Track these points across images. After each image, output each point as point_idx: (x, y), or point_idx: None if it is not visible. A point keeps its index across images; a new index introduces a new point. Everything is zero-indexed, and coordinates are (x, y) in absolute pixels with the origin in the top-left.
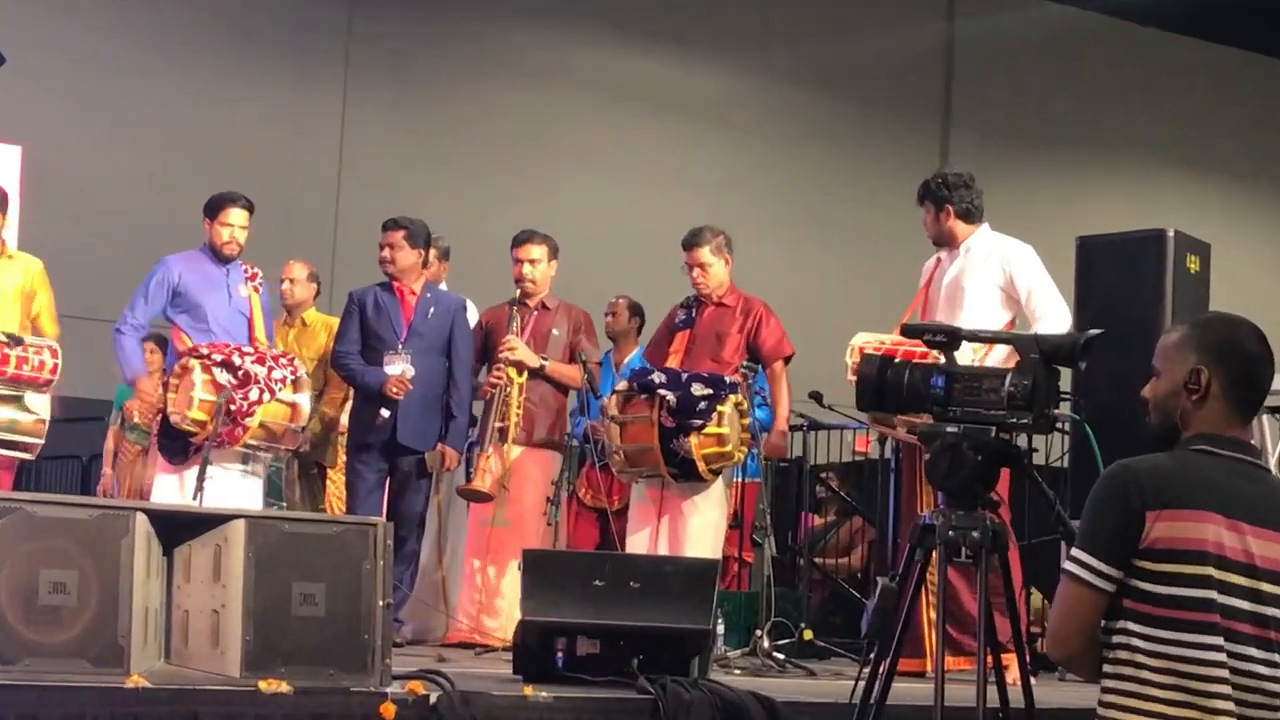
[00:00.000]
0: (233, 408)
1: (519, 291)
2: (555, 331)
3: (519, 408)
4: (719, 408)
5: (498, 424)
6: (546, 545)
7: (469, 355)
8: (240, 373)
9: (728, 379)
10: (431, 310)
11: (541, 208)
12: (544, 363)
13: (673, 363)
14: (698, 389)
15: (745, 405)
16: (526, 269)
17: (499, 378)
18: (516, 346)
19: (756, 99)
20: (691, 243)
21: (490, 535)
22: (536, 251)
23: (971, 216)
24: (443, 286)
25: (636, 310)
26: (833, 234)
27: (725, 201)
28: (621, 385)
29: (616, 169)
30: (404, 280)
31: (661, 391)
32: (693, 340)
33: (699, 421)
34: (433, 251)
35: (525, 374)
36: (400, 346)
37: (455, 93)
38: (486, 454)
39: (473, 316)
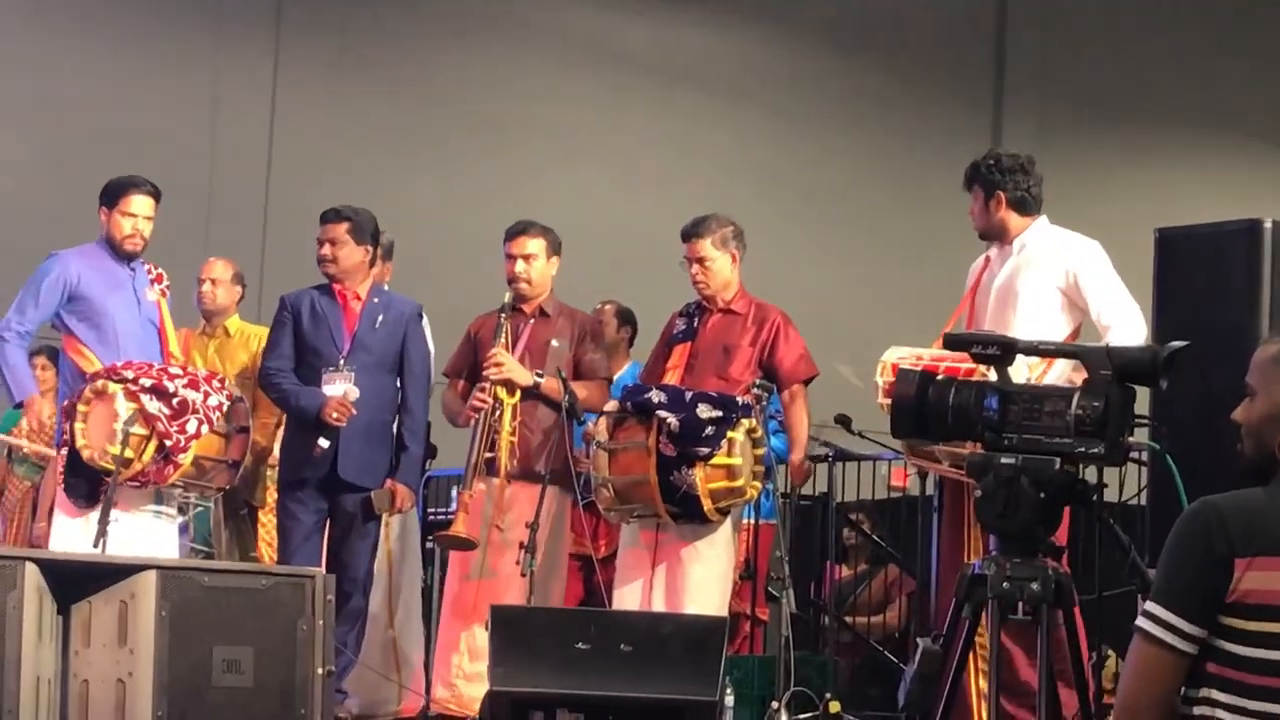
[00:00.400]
0: (168, 443)
1: (509, 294)
2: (555, 343)
3: (511, 434)
4: (730, 434)
5: (486, 454)
6: (523, 600)
7: (426, 372)
8: (175, 400)
9: (740, 400)
10: (380, 318)
11: (512, 199)
12: (538, 379)
13: (671, 380)
14: (705, 411)
15: (759, 432)
16: (520, 266)
17: (484, 401)
18: (504, 362)
19: (773, 67)
20: (692, 232)
21: (476, 591)
22: (533, 245)
23: (1027, 206)
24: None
25: (627, 318)
26: (863, 228)
27: (736, 190)
28: (611, 405)
29: (605, 152)
30: (347, 282)
31: (661, 414)
32: (694, 354)
33: (706, 450)
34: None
35: (518, 394)
36: (342, 362)
37: (407, 62)
38: (469, 493)
39: (428, 330)
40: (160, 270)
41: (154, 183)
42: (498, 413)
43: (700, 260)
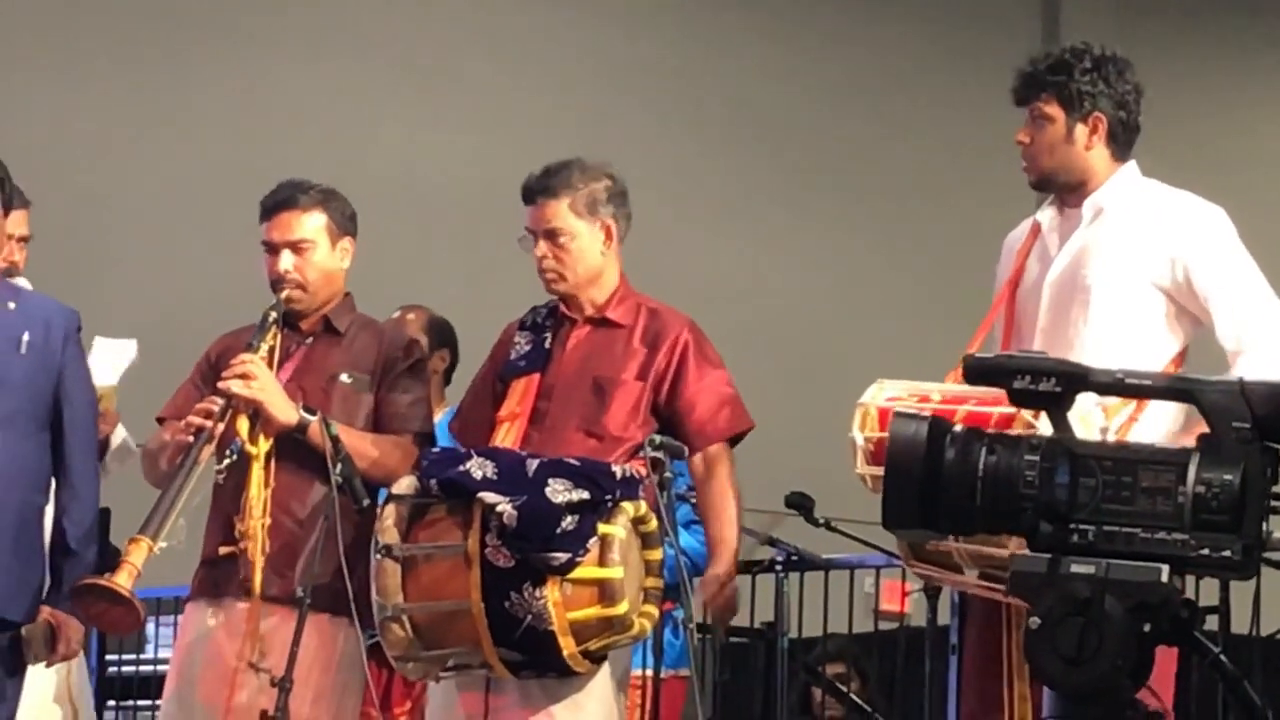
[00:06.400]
0: None
1: (281, 298)
2: (345, 376)
3: (264, 515)
4: (603, 528)
5: (222, 548)
6: None
7: (94, 423)
8: None
9: (621, 469)
10: (25, 336)
11: (257, 148)
12: (308, 418)
13: (507, 439)
14: (559, 491)
15: (654, 523)
16: (287, 261)
17: (208, 412)
18: (257, 372)
19: None
20: (539, 188)
21: None
22: (307, 225)
23: (1129, 141)
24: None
25: (443, 336)
26: (839, 182)
27: (627, 120)
28: (404, 484)
29: (413, 69)
30: None
31: (488, 497)
32: (546, 395)
33: (563, 556)
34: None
35: (270, 441)
36: None
37: None
38: (145, 543)
39: (111, 354)
40: None
41: None
42: (230, 458)
43: (551, 234)
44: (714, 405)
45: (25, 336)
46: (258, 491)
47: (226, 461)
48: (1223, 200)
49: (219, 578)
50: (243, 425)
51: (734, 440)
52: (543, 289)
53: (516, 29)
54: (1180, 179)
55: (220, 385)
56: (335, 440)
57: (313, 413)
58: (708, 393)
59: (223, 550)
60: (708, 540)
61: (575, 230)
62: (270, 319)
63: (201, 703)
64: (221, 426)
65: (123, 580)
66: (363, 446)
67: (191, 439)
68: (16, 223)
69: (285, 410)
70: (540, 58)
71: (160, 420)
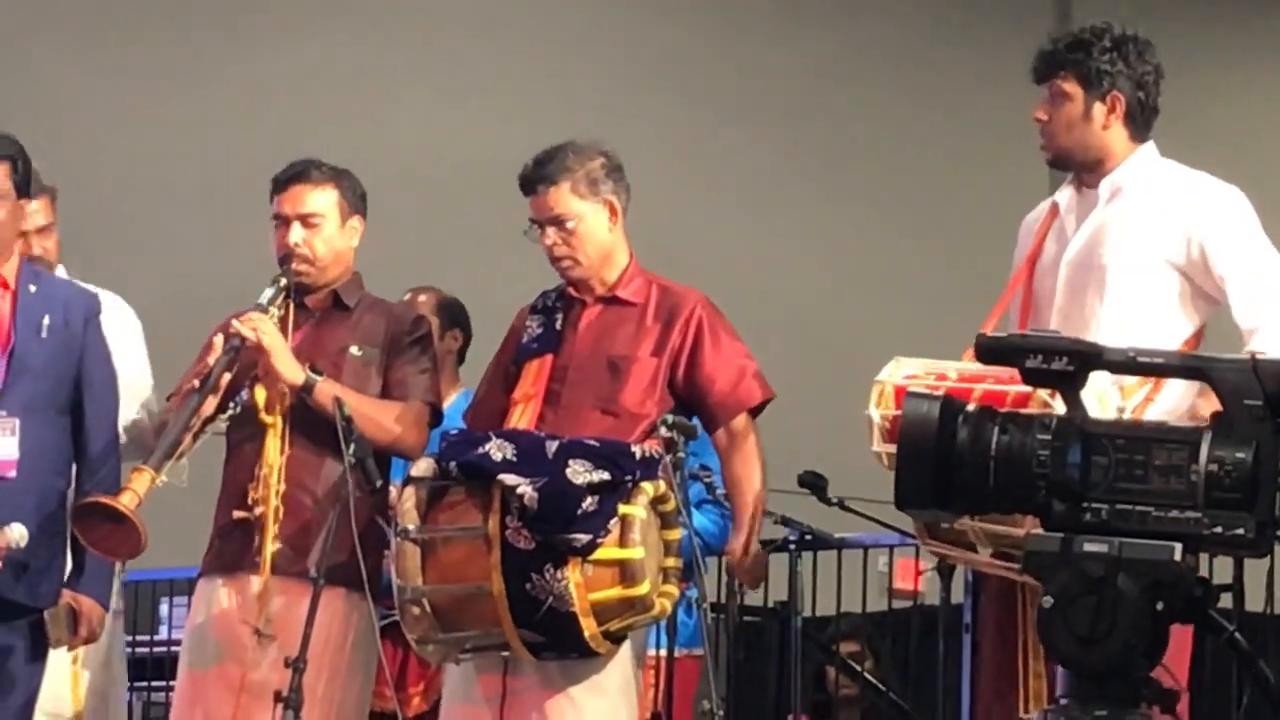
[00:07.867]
0: None
1: (282, 278)
2: (356, 349)
3: (278, 483)
4: (624, 508)
5: (237, 513)
6: None
7: (115, 407)
8: None
9: (640, 450)
10: (46, 320)
11: (269, 130)
12: (314, 378)
13: (522, 420)
14: (580, 472)
15: (672, 503)
16: (296, 233)
17: (230, 338)
18: (264, 327)
19: None
20: (537, 176)
21: (205, 681)
22: (318, 200)
23: (1147, 124)
24: (61, 272)
25: (454, 316)
26: (855, 169)
27: (644, 106)
28: (422, 466)
29: (427, 51)
30: None
31: (508, 479)
32: (560, 376)
33: (585, 537)
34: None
35: (284, 408)
36: None
37: None
38: (148, 473)
39: (122, 329)
40: None
41: None
42: (233, 409)
43: (557, 221)
44: (734, 378)
45: (46, 320)
46: (275, 458)
47: (230, 412)
48: (1237, 179)
49: (231, 552)
50: (260, 395)
51: (756, 412)
52: (548, 274)
53: (531, 8)
54: (1195, 158)
55: (230, 331)
56: (349, 421)
57: (319, 373)
58: (726, 365)
59: (237, 515)
60: (734, 509)
61: (580, 212)
62: (281, 284)
63: (215, 681)
64: (228, 376)
65: (125, 502)
66: (373, 411)
67: (197, 384)
68: (34, 211)
69: (291, 368)
70: (555, 38)
71: (169, 399)
